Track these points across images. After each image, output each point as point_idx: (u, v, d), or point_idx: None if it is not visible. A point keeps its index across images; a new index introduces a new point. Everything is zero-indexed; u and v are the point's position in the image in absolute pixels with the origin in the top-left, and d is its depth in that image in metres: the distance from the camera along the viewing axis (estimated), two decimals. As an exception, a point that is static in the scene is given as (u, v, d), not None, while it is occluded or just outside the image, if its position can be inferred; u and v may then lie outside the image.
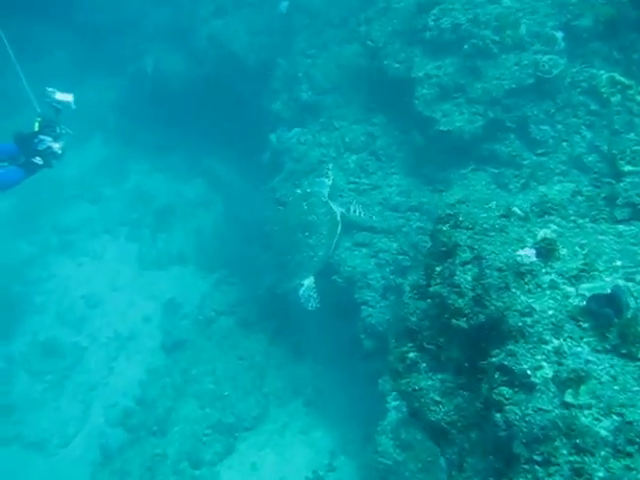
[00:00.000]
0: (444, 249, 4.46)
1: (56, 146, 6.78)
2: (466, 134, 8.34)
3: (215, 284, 12.22)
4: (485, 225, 4.41)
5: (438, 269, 4.37)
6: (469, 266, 4.13)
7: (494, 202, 4.88)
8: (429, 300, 4.35)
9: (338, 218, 7.99)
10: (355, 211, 8.19)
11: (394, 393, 7.56)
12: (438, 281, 4.27)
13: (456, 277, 4.09)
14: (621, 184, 5.42)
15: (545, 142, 8.28)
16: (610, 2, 8.38)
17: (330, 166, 8.65)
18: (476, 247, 4.22)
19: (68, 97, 6.66)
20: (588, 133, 8.26)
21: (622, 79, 8.31)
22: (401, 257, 8.24)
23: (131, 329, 13.03)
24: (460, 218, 4.55)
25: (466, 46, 8.67)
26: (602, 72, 8.38)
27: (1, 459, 11.41)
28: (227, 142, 15.08)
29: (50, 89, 6.61)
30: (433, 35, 9.14)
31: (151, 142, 16.10)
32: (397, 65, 9.47)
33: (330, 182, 8.46)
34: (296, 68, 12.32)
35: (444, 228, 4.60)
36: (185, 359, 10.42)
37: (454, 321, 3.98)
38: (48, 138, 6.73)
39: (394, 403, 7.57)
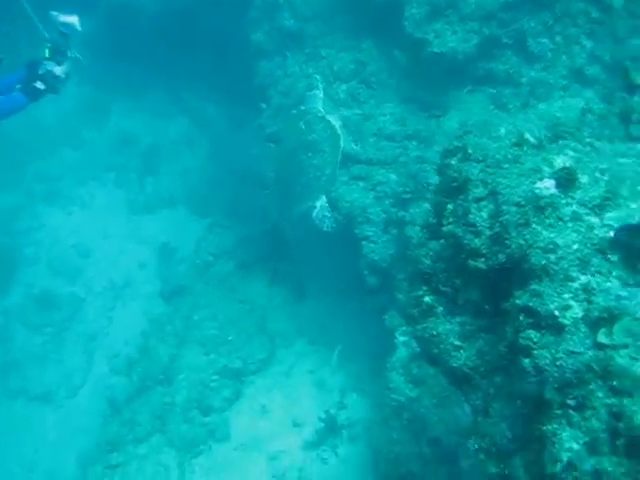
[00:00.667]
0: (455, 185, 4.16)
1: (58, 70, 6.38)
2: (460, 54, 7.93)
3: (209, 227, 11.91)
4: (497, 156, 4.10)
5: (450, 207, 4.08)
6: (484, 202, 3.85)
7: (503, 129, 4.54)
8: (442, 241, 4.08)
9: (339, 131, 7.58)
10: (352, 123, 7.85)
11: (402, 328, 7.42)
12: (451, 220, 3.99)
13: (471, 215, 3.81)
14: (635, 98, 5.07)
15: (544, 56, 7.92)
16: None
17: (318, 77, 8.20)
18: (490, 181, 3.93)
19: (73, 19, 6.28)
20: (588, 42, 7.89)
21: (625, -19, 7.85)
22: (401, 189, 7.94)
23: (126, 276, 12.81)
24: (469, 150, 4.24)
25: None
26: (603, -25, 7.90)
27: (8, 413, 11.36)
28: (207, 78, 14.49)
29: (54, 13, 6.27)
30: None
31: (128, 80, 15.40)
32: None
33: (322, 94, 7.99)
34: (276, -4, 11.64)
35: (452, 162, 4.28)
36: (185, 305, 10.23)
37: (471, 262, 3.73)
38: (51, 63, 6.36)
39: (402, 338, 7.43)
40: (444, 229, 3.99)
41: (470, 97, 8.24)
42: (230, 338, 9.36)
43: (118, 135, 15.03)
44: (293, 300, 9.85)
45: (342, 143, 7.60)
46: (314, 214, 7.59)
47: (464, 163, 4.23)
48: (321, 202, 7.58)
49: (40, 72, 6.28)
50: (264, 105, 9.71)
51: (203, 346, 9.41)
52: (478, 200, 3.86)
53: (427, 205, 5.92)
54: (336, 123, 7.64)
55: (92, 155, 14.75)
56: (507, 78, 8.02)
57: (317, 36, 10.48)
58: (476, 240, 3.75)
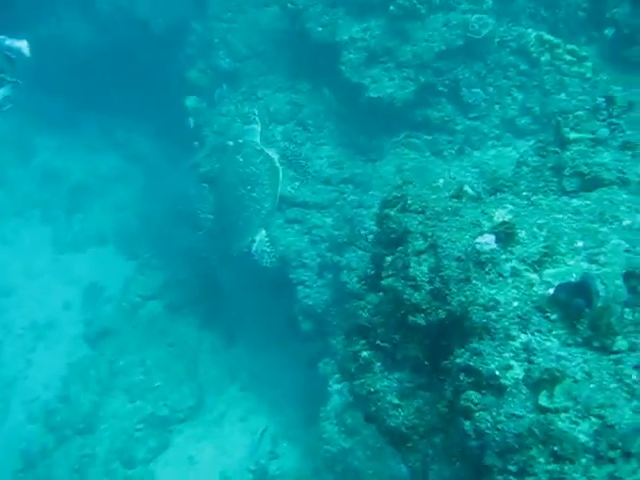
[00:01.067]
0: (394, 236, 4.07)
1: None
2: (398, 101, 7.97)
3: (138, 267, 11.55)
4: (437, 208, 4.03)
5: (389, 259, 3.98)
6: (424, 256, 3.75)
7: (441, 180, 4.51)
8: (381, 294, 3.96)
9: (277, 164, 7.44)
10: (291, 154, 7.73)
11: (336, 376, 7.25)
12: (390, 272, 3.88)
13: (410, 269, 3.71)
14: (567, 152, 5.14)
15: (477, 106, 8.03)
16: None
17: (255, 111, 7.99)
18: (430, 234, 3.84)
19: (22, 44, 6.17)
20: (519, 94, 8.07)
21: (550, 37, 8.12)
22: (336, 232, 7.85)
23: (50, 317, 12.28)
24: (409, 201, 4.16)
25: (392, 7, 8.23)
26: (530, 31, 8.16)
27: None
28: (141, 114, 14.22)
29: (0, 36, 6.14)
30: (358, -4, 8.64)
31: (57, 114, 14.93)
32: (320, 29, 8.96)
33: (259, 128, 7.85)
34: (211, 33, 11.62)
35: (392, 213, 4.20)
36: (111, 349, 9.81)
37: (411, 318, 3.61)
38: None
39: (336, 386, 7.27)
40: (383, 282, 3.87)
41: (406, 142, 8.27)
42: (158, 384, 8.99)
43: (45, 170, 14.55)
44: (224, 344, 9.58)
45: (281, 175, 7.47)
46: (253, 248, 7.39)
47: (403, 214, 4.15)
48: (260, 236, 7.39)
49: None
50: (197, 143, 9.52)
51: (128, 393, 9.00)
52: (418, 253, 3.77)
53: (363, 253, 5.85)
54: (274, 156, 7.52)
55: (15, 191, 14.18)
56: (442, 125, 8.11)
57: (254, 75, 10.46)
58: (416, 295, 3.64)
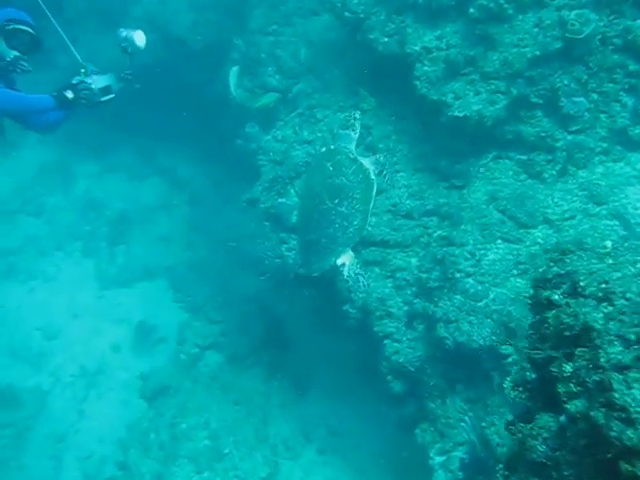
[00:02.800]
0: (567, 334, 2.98)
1: (98, 82, 5.87)
2: (488, 119, 6.89)
3: (193, 310, 10.58)
4: (629, 294, 2.93)
5: (568, 369, 2.89)
6: (633, 373, 2.66)
7: (609, 242, 3.40)
8: (563, 418, 2.88)
9: (372, 176, 6.30)
10: (386, 177, 6.47)
11: (437, 445, 6.18)
12: (575, 390, 2.80)
13: (615, 394, 2.61)
14: None
15: (580, 117, 6.86)
16: None
17: (357, 115, 6.73)
18: (633, 337, 2.75)
19: (138, 35, 5.84)
20: (630, 99, 6.86)
21: (665, 27, 6.89)
22: (425, 275, 6.76)
23: (99, 361, 11.38)
24: (581, 281, 3.07)
25: (472, 9, 7.12)
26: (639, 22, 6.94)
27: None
28: (182, 137, 13.35)
29: (121, 29, 5.94)
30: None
31: (96, 140, 14.06)
32: (386, 39, 7.90)
33: (357, 135, 6.64)
34: (256, 49, 10.64)
35: (556, 297, 3.11)
36: (170, 409, 8.84)
37: (625, 466, 2.52)
38: (93, 76, 5.92)
39: (439, 459, 6.20)
40: (568, 406, 2.79)
41: (496, 165, 7.17)
42: (226, 451, 7.99)
43: (85, 200, 13.70)
44: (294, 396, 8.56)
45: (375, 190, 6.33)
46: (345, 273, 6.28)
47: (576, 301, 3.05)
48: (349, 258, 6.27)
49: (73, 81, 5.84)
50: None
51: (194, 462, 8.02)
52: (622, 368, 2.67)
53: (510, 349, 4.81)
54: (370, 167, 6.37)
55: (56, 223, 13.36)
56: (538, 142, 6.97)
57: (309, 94, 9.41)
58: (630, 433, 2.55)
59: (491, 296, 6.29)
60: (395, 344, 6.74)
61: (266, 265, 7.80)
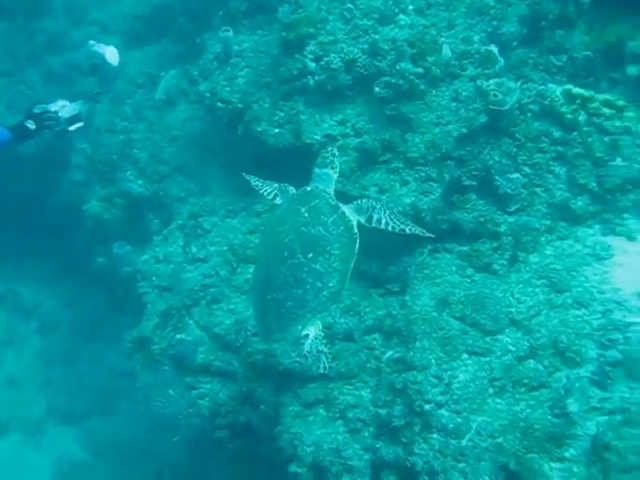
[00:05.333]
0: None
1: (64, 110, 5.29)
2: (426, 212, 5.87)
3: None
4: None
5: None
6: None
7: None
8: None
9: (355, 230, 4.88)
10: (382, 221, 4.98)
11: None
12: None
13: None
14: None
15: (518, 195, 6.04)
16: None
17: (335, 151, 5.27)
18: None
19: (109, 50, 5.45)
20: (561, 169, 6.17)
21: (579, 90, 6.33)
22: (383, 411, 5.53)
23: None
24: None
25: (377, 88, 6.18)
26: (552, 87, 6.33)
27: None
28: (24, 256, 11.43)
29: (91, 42, 5.59)
30: (320, 81, 6.53)
31: None
32: (277, 130, 6.77)
33: (337, 175, 5.23)
34: (106, 150, 9.14)
35: None
36: None
37: None
38: (59, 102, 5.37)
39: None
40: None
41: (434, 260, 6.15)
42: None
43: None
44: None
45: (358, 246, 4.83)
46: (306, 347, 4.73)
47: None
48: (315, 329, 4.77)
49: (35, 110, 5.28)
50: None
51: None
52: None
53: None
54: (353, 218, 4.93)
55: None
56: (479, 229, 6.06)
57: (183, 199, 8.07)
58: None
59: (473, 428, 5.17)
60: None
61: (176, 422, 6.23)
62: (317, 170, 5.10)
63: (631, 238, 5.97)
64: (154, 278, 7.21)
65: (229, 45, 7.53)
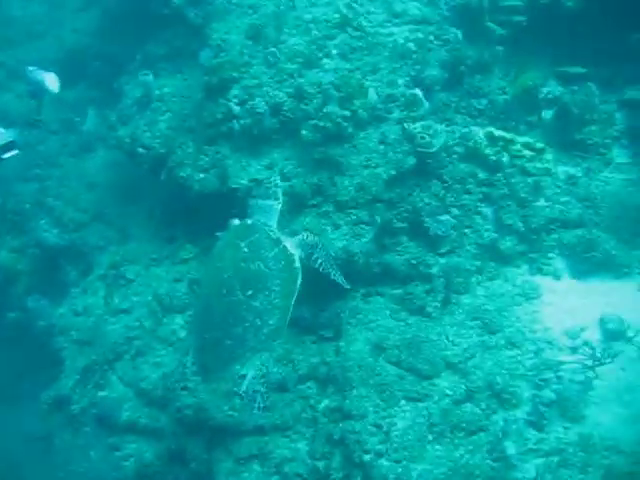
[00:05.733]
0: None
1: None
2: (359, 256, 5.78)
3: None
4: None
5: None
6: None
7: None
8: None
9: (297, 264, 4.74)
10: (318, 260, 4.93)
11: None
12: None
13: None
14: None
15: (448, 236, 6.04)
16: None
17: (278, 181, 5.16)
18: None
19: (48, 77, 5.49)
20: (488, 209, 6.26)
21: (501, 132, 6.50)
22: (321, 464, 5.33)
23: None
24: None
25: (305, 131, 6.11)
26: (475, 129, 6.45)
27: None
28: None
29: (30, 68, 5.61)
30: (246, 125, 6.41)
31: None
32: (202, 175, 6.57)
33: (279, 206, 5.06)
34: (18, 199, 8.67)
35: None
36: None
37: None
38: None
39: None
40: None
41: (367, 305, 6.07)
42: None
43: None
44: None
45: (300, 281, 4.71)
46: (243, 387, 4.53)
47: None
48: (255, 369, 4.57)
49: None
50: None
51: None
52: None
53: None
54: (295, 252, 4.78)
55: None
56: (411, 272, 6.03)
57: (103, 248, 7.73)
58: None
59: (414, 477, 5.03)
60: None
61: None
62: (259, 201, 4.98)
63: (557, 277, 6.09)
64: (73, 332, 6.84)
65: (149, 89, 7.35)
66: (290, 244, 4.77)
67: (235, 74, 6.56)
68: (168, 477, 5.96)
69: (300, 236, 4.90)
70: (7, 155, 5.28)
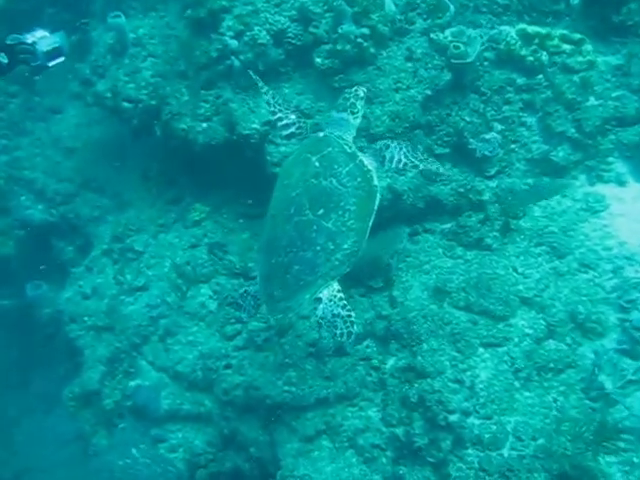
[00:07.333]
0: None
1: (39, 40, 4.84)
2: (406, 195, 5.08)
3: None
4: None
5: None
6: None
7: None
8: None
9: (375, 181, 4.11)
10: (393, 159, 4.26)
11: None
12: None
13: None
14: None
15: (495, 155, 5.33)
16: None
17: (360, 92, 4.39)
18: None
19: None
20: (531, 118, 5.52)
21: (536, 29, 5.68)
22: (400, 430, 4.78)
23: None
24: None
25: (318, 59, 5.27)
26: (505, 29, 5.65)
27: None
28: None
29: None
30: (247, 60, 5.56)
31: None
32: (205, 125, 5.72)
33: (358, 120, 4.41)
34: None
35: None
36: None
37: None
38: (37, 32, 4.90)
39: None
40: None
41: (415, 245, 5.40)
42: None
43: None
44: None
45: (378, 201, 4.11)
46: (319, 311, 3.99)
47: None
48: (329, 291, 4.02)
49: (8, 42, 4.81)
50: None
51: None
52: None
53: None
54: (372, 167, 4.14)
55: None
56: (460, 202, 5.33)
57: (98, 218, 6.97)
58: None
59: (510, 432, 4.50)
60: None
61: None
62: (334, 114, 4.33)
63: (621, 183, 5.42)
64: (86, 318, 6.07)
65: (123, 33, 6.37)
66: (368, 160, 4.06)
67: (224, 2, 5.62)
68: (225, 464, 5.41)
69: (379, 145, 4.22)
70: (54, 62, 4.94)
